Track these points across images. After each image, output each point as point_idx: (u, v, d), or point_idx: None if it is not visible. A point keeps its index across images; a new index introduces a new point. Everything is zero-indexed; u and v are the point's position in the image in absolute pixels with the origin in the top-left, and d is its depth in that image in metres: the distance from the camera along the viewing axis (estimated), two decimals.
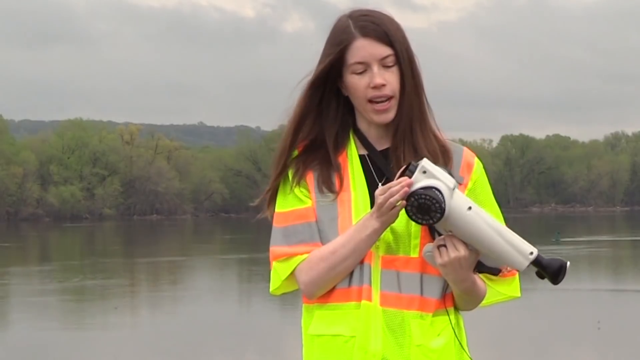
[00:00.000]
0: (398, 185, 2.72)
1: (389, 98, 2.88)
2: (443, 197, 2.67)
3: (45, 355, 15.51)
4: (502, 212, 3.01)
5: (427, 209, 2.68)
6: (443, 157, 2.89)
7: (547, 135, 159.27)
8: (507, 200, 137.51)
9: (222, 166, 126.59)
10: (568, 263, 2.81)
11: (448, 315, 2.88)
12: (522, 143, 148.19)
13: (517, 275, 2.98)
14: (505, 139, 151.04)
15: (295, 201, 2.93)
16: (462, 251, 2.77)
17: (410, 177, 2.70)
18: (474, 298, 2.91)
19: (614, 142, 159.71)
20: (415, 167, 2.71)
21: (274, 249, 2.93)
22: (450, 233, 2.76)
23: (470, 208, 2.72)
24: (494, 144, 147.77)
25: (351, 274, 2.84)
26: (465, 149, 2.96)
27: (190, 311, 20.80)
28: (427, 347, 2.83)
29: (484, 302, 2.98)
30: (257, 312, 20.48)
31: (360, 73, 2.87)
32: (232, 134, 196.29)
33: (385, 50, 2.87)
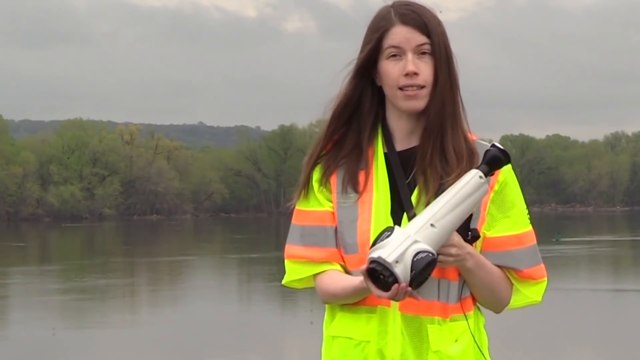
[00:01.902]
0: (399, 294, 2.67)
1: (421, 88, 2.86)
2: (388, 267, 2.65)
3: (49, 354, 15.53)
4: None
5: (383, 281, 2.67)
6: (469, 160, 2.85)
7: (547, 135, 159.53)
8: None
9: (222, 166, 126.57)
10: (498, 145, 2.83)
11: (466, 319, 2.86)
12: (522, 143, 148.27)
13: (543, 280, 2.95)
14: (505, 139, 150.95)
15: (315, 202, 2.94)
16: (455, 240, 2.77)
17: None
18: (496, 294, 2.90)
19: (614, 142, 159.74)
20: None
21: (290, 247, 2.96)
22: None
23: (432, 225, 2.71)
24: None
25: None
26: None
27: (192, 310, 20.82)
28: (445, 353, 2.82)
29: (510, 304, 2.96)
30: (258, 312, 20.49)
31: (395, 57, 2.86)
32: (232, 134, 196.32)
33: (422, 39, 2.86)
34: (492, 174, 2.83)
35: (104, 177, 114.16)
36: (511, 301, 2.95)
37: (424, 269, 2.64)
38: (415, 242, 2.66)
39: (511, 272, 2.92)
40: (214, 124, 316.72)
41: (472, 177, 2.78)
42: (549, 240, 43.71)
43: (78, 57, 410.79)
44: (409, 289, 2.64)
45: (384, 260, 2.63)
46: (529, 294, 2.94)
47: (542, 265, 2.96)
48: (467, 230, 2.82)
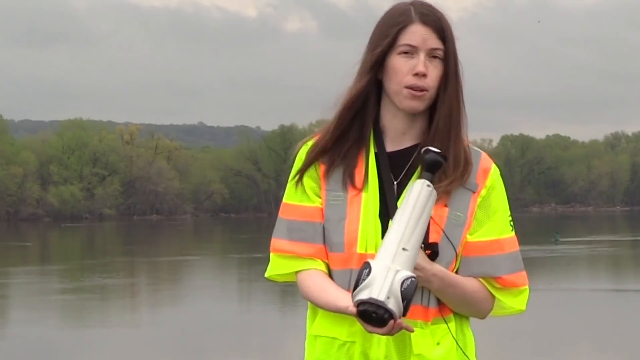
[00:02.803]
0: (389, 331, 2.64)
1: (425, 91, 2.83)
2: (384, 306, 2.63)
3: (50, 354, 15.56)
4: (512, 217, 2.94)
5: (377, 318, 2.65)
6: (464, 169, 2.84)
7: (547, 135, 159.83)
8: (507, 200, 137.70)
9: (222, 166, 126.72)
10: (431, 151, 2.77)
11: (446, 323, 2.83)
12: (522, 143, 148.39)
13: (525, 287, 2.92)
14: (505, 139, 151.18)
15: (303, 197, 2.90)
16: (418, 263, 2.73)
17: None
18: (471, 307, 2.87)
19: (614, 142, 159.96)
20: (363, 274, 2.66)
21: (276, 241, 2.92)
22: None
23: (404, 249, 2.67)
24: (494, 144, 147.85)
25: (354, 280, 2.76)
26: (483, 154, 2.91)
27: (193, 310, 20.84)
28: (426, 356, 2.80)
29: (492, 313, 2.92)
30: (258, 312, 20.51)
31: (406, 55, 2.84)
32: (232, 134, 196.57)
33: (437, 43, 2.85)
34: (436, 179, 2.77)
35: (104, 177, 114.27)
36: (493, 311, 2.92)
37: (413, 294, 2.63)
38: (397, 271, 2.64)
39: (490, 281, 2.87)
40: (214, 124, 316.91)
41: (422, 188, 2.73)
42: (549, 241, 43.74)
43: (78, 57, 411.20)
44: (404, 324, 2.62)
45: (376, 300, 2.61)
46: (511, 304, 2.90)
47: (524, 273, 2.91)
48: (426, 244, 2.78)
